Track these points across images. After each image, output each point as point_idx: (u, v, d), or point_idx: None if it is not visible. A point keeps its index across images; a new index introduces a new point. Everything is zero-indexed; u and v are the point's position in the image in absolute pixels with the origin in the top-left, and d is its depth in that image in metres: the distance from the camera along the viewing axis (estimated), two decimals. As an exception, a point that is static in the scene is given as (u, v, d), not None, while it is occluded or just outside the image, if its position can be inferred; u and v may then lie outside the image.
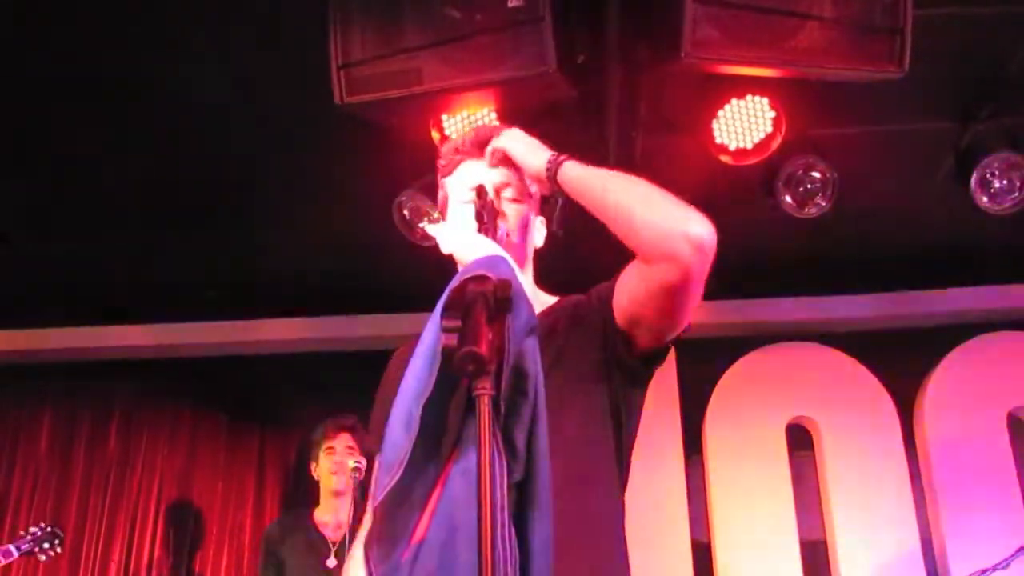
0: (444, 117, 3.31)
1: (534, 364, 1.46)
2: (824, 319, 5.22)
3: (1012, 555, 3.67)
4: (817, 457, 5.14)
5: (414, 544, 1.46)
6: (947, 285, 5.11)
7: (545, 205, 2.05)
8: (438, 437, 1.49)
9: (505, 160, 1.94)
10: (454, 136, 3.20)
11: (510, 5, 2.82)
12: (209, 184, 4.21)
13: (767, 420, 5.12)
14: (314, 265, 4.91)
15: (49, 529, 4.32)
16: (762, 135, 3.55)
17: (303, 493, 4.74)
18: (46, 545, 4.28)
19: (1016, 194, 3.87)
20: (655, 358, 1.85)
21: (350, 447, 4.03)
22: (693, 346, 4.82)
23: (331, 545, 3.90)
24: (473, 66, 2.90)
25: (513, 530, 1.35)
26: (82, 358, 5.38)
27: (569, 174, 1.83)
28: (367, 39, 2.99)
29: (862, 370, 5.14)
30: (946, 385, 5.08)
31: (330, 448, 4.09)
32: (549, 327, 1.79)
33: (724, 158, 3.57)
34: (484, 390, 1.22)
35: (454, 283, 1.42)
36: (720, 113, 3.52)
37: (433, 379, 1.43)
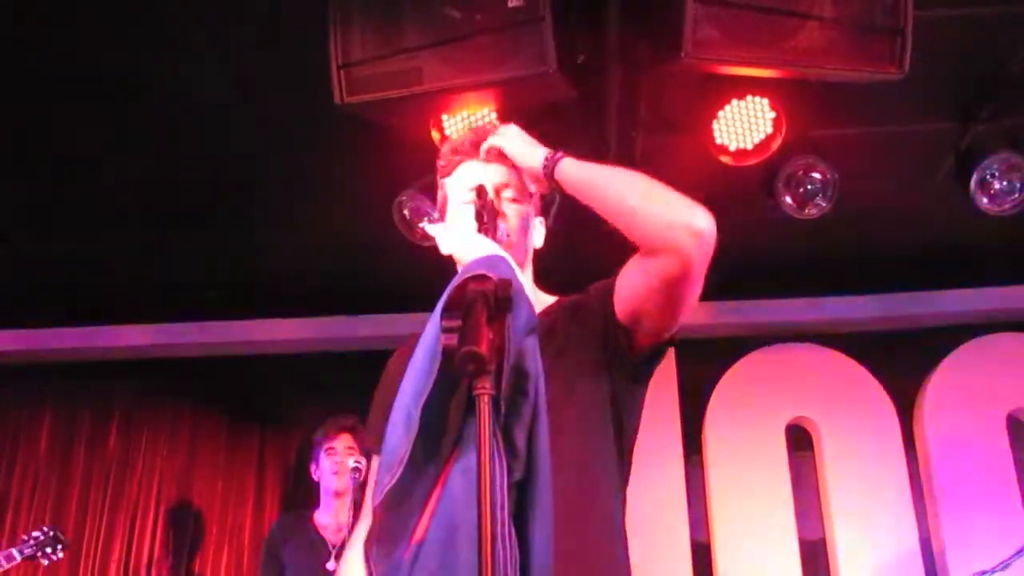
0: (444, 117, 3.31)
1: (534, 363, 1.46)
2: (824, 320, 5.22)
3: (1012, 556, 3.67)
4: (817, 458, 5.14)
5: (414, 544, 1.46)
6: (947, 286, 5.11)
7: (544, 205, 2.05)
8: (438, 437, 1.48)
9: (500, 157, 1.95)
10: (454, 136, 3.20)
11: (510, 5, 2.82)
12: (209, 184, 4.21)
13: (767, 420, 5.12)
14: (314, 265, 4.91)
15: (52, 533, 4.32)
16: (762, 136, 3.55)
17: (303, 494, 4.73)
18: (48, 550, 4.28)
19: (1016, 195, 3.87)
20: (656, 354, 1.85)
21: (350, 447, 4.03)
22: (693, 346, 4.89)
23: (331, 548, 3.90)
24: (473, 66, 2.90)
25: (513, 529, 1.35)
26: (82, 358, 5.38)
27: (567, 170, 1.84)
28: (367, 39, 2.99)
29: (862, 371, 5.14)
30: (946, 386, 5.08)
31: (331, 448, 4.08)
32: (549, 326, 1.79)
33: (724, 159, 3.57)
34: (484, 389, 1.22)
35: (454, 283, 1.42)
36: (720, 113, 3.52)
37: (433, 379, 1.43)
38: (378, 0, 3.01)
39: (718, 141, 3.55)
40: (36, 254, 4.76)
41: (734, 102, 3.49)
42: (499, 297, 1.36)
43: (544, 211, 2.06)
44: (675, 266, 1.67)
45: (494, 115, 3.26)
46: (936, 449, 4.98)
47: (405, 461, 1.44)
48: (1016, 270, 4.98)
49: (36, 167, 4.14)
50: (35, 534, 4.29)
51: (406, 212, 3.96)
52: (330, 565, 3.82)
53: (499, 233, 1.83)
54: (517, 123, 2.03)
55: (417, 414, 1.43)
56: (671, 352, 4.97)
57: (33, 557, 4.24)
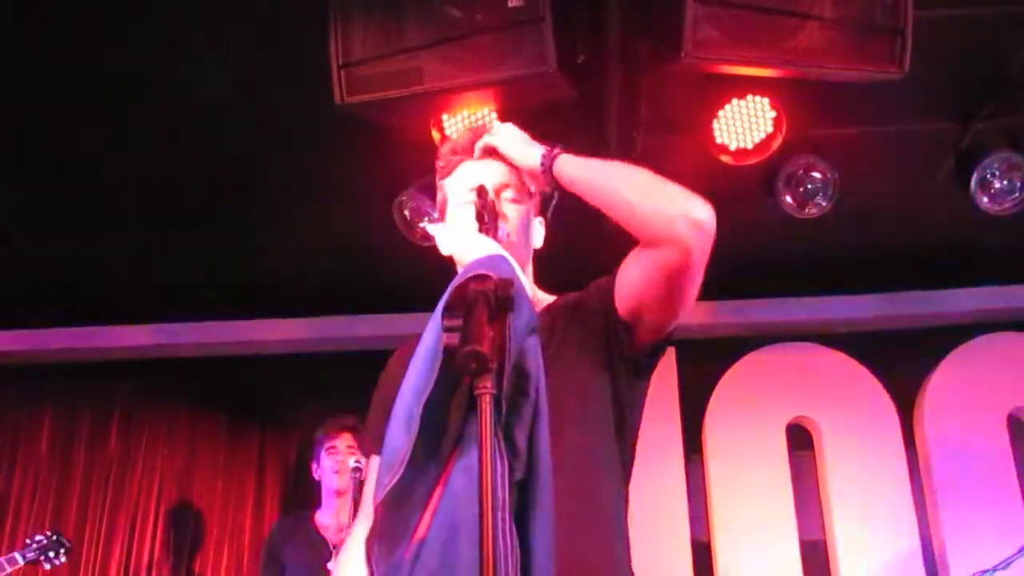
0: (444, 117, 3.31)
1: (535, 363, 1.46)
2: (824, 319, 5.22)
3: (1013, 556, 3.67)
4: (817, 457, 5.14)
5: (415, 542, 1.46)
6: (947, 285, 5.10)
7: (543, 203, 2.05)
8: (439, 436, 1.49)
9: (494, 155, 1.96)
10: (454, 136, 3.20)
11: (510, 5, 2.82)
12: (209, 184, 4.21)
13: (767, 420, 5.12)
14: (314, 265, 4.91)
15: (55, 538, 4.31)
16: (762, 135, 3.55)
17: (303, 494, 4.73)
18: (51, 554, 4.27)
19: (1016, 194, 3.87)
20: (657, 349, 1.86)
21: (351, 447, 4.02)
22: (693, 346, 4.90)
23: (332, 548, 3.89)
24: (473, 66, 2.91)
25: (515, 529, 1.35)
26: (82, 358, 5.38)
27: (565, 166, 1.85)
28: (368, 39, 2.99)
29: (862, 370, 5.14)
30: (946, 385, 5.08)
31: (332, 447, 4.08)
32: (549, 326, 1.79)
33: (724, 158, 3.58)
34: (486, 389, 1.22)
35: (455, 282, 1.42)
36: (720, 113, 3.52)
37: (434, 378, 1.43)
38: (378, 0, 3.01)
39: (718, 140, 3.56)
40: (36, 254, 4.76)
41: (734, 101, 3.49)
42: (500, 297, 1.36)
43: (543, 210, 2.06)
44: (675, 258, 1.68)
45: (494, 115, 3.26)
46: (936, 448, 4.98)
47: (406, 460, 1.44)
48: (1016, 269, 4.98)
49: (36, 167, 4.14)
50: (38, 538, 4.29)
51: (406, 212, 3.96)
52: (331, 565, 3.82)
53: (499, 233, 1.82)
54: (517, 123, 2.03)
55: (418, 413, 1.43)
56: (671, 352, 5.02)
57: (36, 561, 4.23)
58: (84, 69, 3.52)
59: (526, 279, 1.89)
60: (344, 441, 4.06)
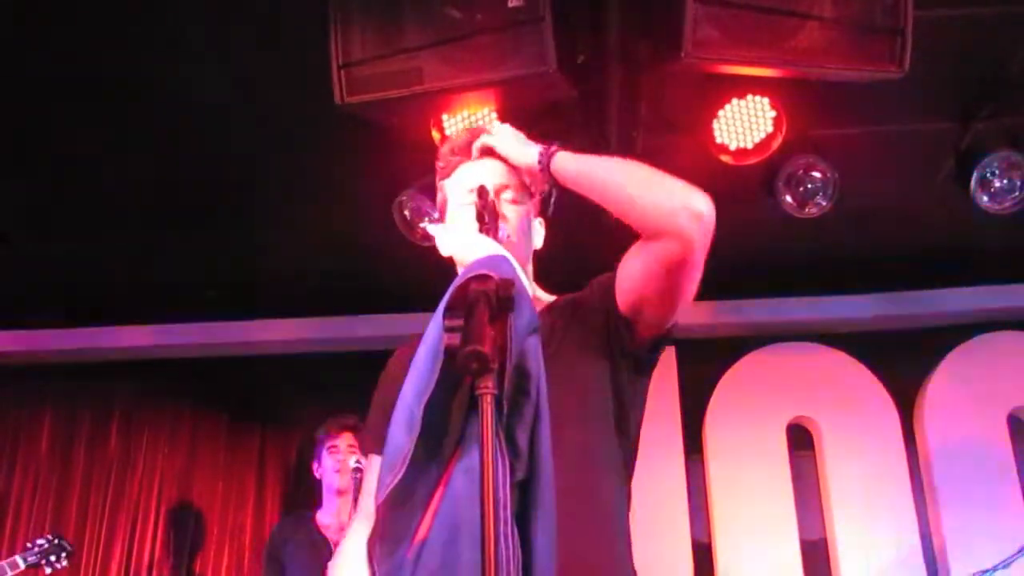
0: (445, 117, 3.31)
1: (536, 363, 1.46)
2: (824, 319, 5.22)
3: (1013, 555, 3.67)
4: (817, 457, 5.14)
5: (417, 543, 1.46)
6: (947, 285, 5.11)
7: (542, 201, 2.06)
8: (440, 436, 1.49)
9: (491, 153, 1.96)
10: (454, 136, 3.20)
11: (510, 5, 2.82)
12: (209, 184, 4.21)
13: (767, 420, 5.12)
14: (314, 265, 4.91)
15: (56, 541, 4.31)
16: (763, 135, 3.55)
17: (304, 494, 4.73)
18: (53, 558, 4.27)
19: (1016, 193, 3.87)
20: (657, 345, 1.86)
21: (352, 446, 4.02)
22: (693, 346, 4.90)
23: (333, 547, 3.89)
24: (473, 66, 2.90)
25: (516, 529, 1.35)
26: (82, 359, 5.38)
27: (563, 163, 1.86)
28: (368, 39, 2.99)
29: (862, 370, 5.14)
30: (946, 385, 5.08)
31: (333, 447, 4.08)
32: (549, 325, 1.79)
33: (725, 158, 3.58)
34: (487, 389, 1.22)
35: (456, 282, 1.42)
36: (720, 113, 3.53)
37: (435, 378, 1.43)
38: (378, 0, 3.01)
39: (718, 140, 3.56)
40: (36, 254, 4.76)
41: (734, 101, 3.50)
42: (501, 297, 1.36)
43: (542, 210, 2.06)
44: (676, 250, 1.69)
45: (495, 115, 3.26)
46: (937, 448, 4.98)
47: (408, 461, 1.43)
48: (1016, 269, 4.98)
49: (36, 167, 4.14)
50: (39, 541, 4.29)
51: (406, 212, 3.96)
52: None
53: (500, 234, 1.82)
54: (517, 123, 2.03)
55: (420, 414, 1.43)
56: (671, 352, 5.03)
57: (37, 565, 4.23)
58: (84, 69, 3.52)
59: (527, 279, 1.89)
60: (345, 440, 4.06)
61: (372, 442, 1.86)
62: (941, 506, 4.86)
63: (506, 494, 1.33)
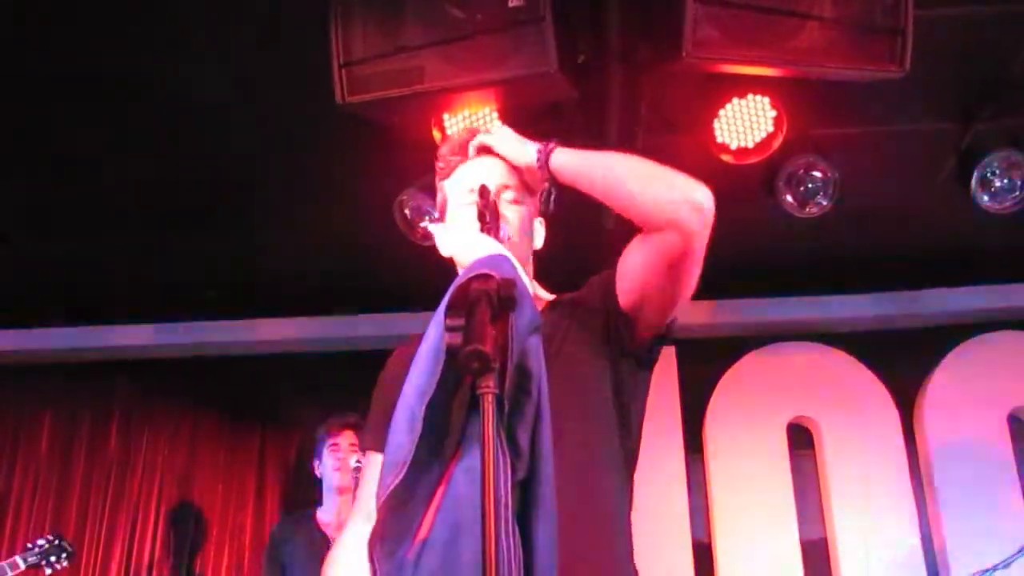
0: (445, 116, 3.31)
1: (537, 363, 1.46)
2: (825, 319, 5.22)
3: (1013, 555, 3.67)
4: (818, 457, 5.14)
5: (418, 542, 1.46)
6: (948, 285, 5.11)
7: (544, 205, 2.06)
8: (442, 436, 1.49)
9: (489, 152, 1.97)
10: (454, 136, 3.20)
11: (511, 5, 2.82)
12: (209, 184, 4.21)
13: (767, 420, 5.12)
14: (314, 265, 4.91)
15: (57, 542, 4.31)
16: (763, 134, 3.55)
17: (304, 493, 4.73)
18: (53, 558, 4.27)
19: (1017, 193, 3.87)
20: (658, 340, 1.87)
21: (354, 444, 4.03)
22: (693, 346, 4.90)
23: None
24: (474, 65, 2.90)
25: (517, 529, 1.35)
26: (82, 358, 5.38)
27: (561, 159, 1.86)
28: (369, 38, 2.99)
29: (863, 370, 5.14)
30: (947, 385, 5.08)
31: (334, 445, 4.09)
32: (551, 325, 1.79)
33: (725, 157, 3.58)
34: (488, 388, 1.22)
35: (458, 282, 1.42)
36: (721, 112, 3.53)
37: (436, 378, 1.43)
38: (379, -1, 3.01)
39: (719, 140, 3.56)
40: (36, 254, 4.75)
41: (735, 101, 3.50)
42: (502, 296, 1.36)
43: (542, 208, 2.06)
44: (677, 241, 1.70)
45: (495, 114, 3.26)
46: (937, 448, 4.98)
47: (409, 460, 1.43)
48: (1017, 269, 4.98)
49: (36, 167, 4.13)
50: (40, 542, 4.29)
51: (407, 211, 3.96)
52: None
53: (501, 233, 1.82)
54: (518, 123, 2.03)
55: (421, 413, 1.43)
56: (671, 352, 5.03)
57: (37, 565, 4.23)
58: (84, 69, 3.52)
59: (527, 279, 1.89)
60: (347, 439, 4.07)
61: (371, 440, 1.87)
62: (941, 506, 4.86)
63: (507, 493, 1.33)
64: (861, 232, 4.56)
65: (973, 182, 3.82)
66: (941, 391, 5.08)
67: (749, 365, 5.22)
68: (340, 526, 3.91)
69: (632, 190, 1.76)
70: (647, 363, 1.90)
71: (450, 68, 2.92)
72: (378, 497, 1.47)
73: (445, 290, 1.46)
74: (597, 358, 1.82)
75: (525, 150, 1.91)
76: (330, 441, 4.10)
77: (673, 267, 1.73)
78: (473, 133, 2.05)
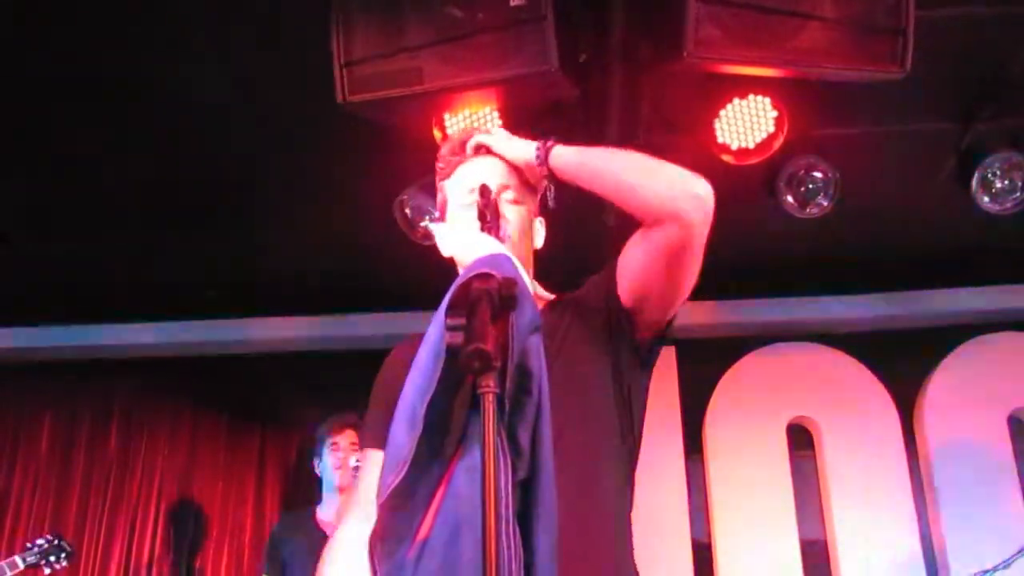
0: (446, 116, 3.31)
1: (538, 362, 1.46)
2: (825, 319, 5.22)
3: (1013, 556, 3.67)
4: (817, 457, 5.14)
5: (418, 542, 1.46)
6: (948, 285, 5.11)
7: (543, 204, 2.06)
8: (442, 435, 1.48)
9: (488, 150, 1.97)
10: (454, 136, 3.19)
11: (512, 4, 2.81)
12: (209, 184, 4.20)
13: (767, 420, 5.12)
14: (314, 265, 4.90)
15: (56, 542, 4.31)
16: (764, 135, 3.55)
17: (303, 492, 4.73)
18: (52, 558, 4.27)
19: (1017, 194, 3.87)
20: (659, 337, 1.87)
21: (354, 444, 4.04)
22: (693, 346, 4.90)
23: (333, 544, 3.89)
24: (475, 65, 2.90)
25: (517, 528, 1.35)
26: (82, 357, 5.38)
27: (561, 156, 1.86)
28: (369, 37, 2.98)
29: (863, 370, 5.14)
30: (947, 385, 5.08)
31: (334, 444, 4.10)
32: (551, 324, 1.79)
33: (726, 158, 3.58)
34: (489, 388, 1.22)
35: (458, 281, 1.42)
36: (722, 113, 3.52)
37: (437, 377, 1.43)
38: (380, -1, 3.01)
39: (720, 140, 3.56)
40: (36, 254, 4.75)
41: (736, 101, 3.49)
42: (503, 295, 1.36)
43: (542, 207, 2.06)
44: (677, 234, 1.70)
45: (496, 114, 3.26)
46: (937, 448, 4.98)
47: (410, 460, 1.43)
48: (1017, 270, 4.98)
49: (36, 167, 4.13)
50: (39, 542, 4.29)
51: (407, 211, 3.96)
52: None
53: (501, 233, 1.82)
54: (519, 122, 2.04)
55: (422, 413, 1.43)
56: (671, 352, 5.02)
57: (36, 565, 4.23)
58: (84, 69, 3.51)
59: (528, 278, 1.89)
60: (347, 438, 4.08)
61: (369, 437, 1.87)
62: (941, 507, 4.86)
63: (508, 493, 1.33)
64: (861, 233, 4.56)
65: (974, 183, 3.82)
66: (941, 392, 5.08)
67: (749, 365, 5.22)
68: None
69: (632, 183, 1.77)
70: (648, 362, 1.90)
71: (451, 67, 2.92)
72: (378, 496, 1.46)
73: (446, 290, 1.46)
74: (598, 357, 1.83)
75: (524, 148, 1.92)
76: (330, 440, 4.11)
77: (674, 260, 1.74)
78: (472, 134, 2.05)
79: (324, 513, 4.06)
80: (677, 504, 4.97)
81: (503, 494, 1.28)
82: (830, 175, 3.82)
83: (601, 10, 3.11)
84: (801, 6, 2.89)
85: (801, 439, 5.18)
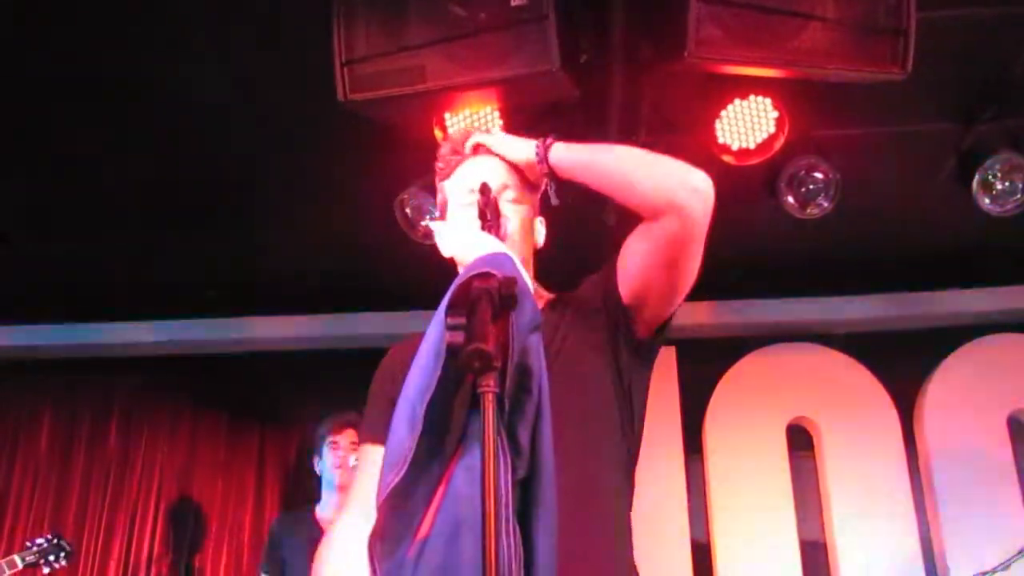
0: (447, 115, 3.31)
1: (538, 361, 1.46)
2: (825, 320, 5.22)
3: (1012, 557, 3.67)
4: (817, 457, 5.14)
5: (418, 541, 1.45)
6: (948, 286, 5.11)
7: (544, 203, 2.06)
8: (442, 434, 1.48)
9: (487, 150, 1.98)
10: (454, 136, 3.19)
11: (514, 3, 2.81)
12: (209, 184, 4.21)
13: (767, 420, 5.12)
14: (314, 265, 4.91)
15: (56, 541, 4.32)
16: (765, 135, 3.55)
17: (303, 491, 4.74)
18: (51, 557, 4.28)
19: (1018, 196, 3.87)
20: (660, 335, 1.88)
21: (354, 443, 4.04)
22: (693, 346, 4.90)
23: (333, 544, 3.89)
24: (476, 64, 2.89)
25: (517, 527, 1.35)
26: (82, 355, 5.38)
27: (561, 153, 1.87)
28: (371, 36, 2.98)
29: (862, 371, 5.14)
30: (947, 386, 5.08)
31: (334, 443, 4.11)
32: (551, 323, 1.80)
33: (727, 158, 3.57)
34: (489, 387, 1.22)
35: (459, 280, 1.42)
36: (723, 113, 3.52)
37: (437, 376, 1.42)
38: (382, -3, 3.01)
39: (720, 140, 3.56)
40: (36, 254, 4.75)
41: (737, 102, 3.49)
42: (504, 295, 1.36)
43: (542, 205, 2.07)
44: (677, 226, 1.71)
45: (497, 114, 3.26)
46: (937, 449, 4.98)
47: (410, 459, 1.43)
48: (1018, 271, 4.98)
49: (36, 167, 4.13)
50: (39, 541, 4.30)
51: (408, 210, 3.96)
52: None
53: (501, 232, 1.83)
54: (520, 122, 2.04)
55: (422, 412, 1.43)
56: (671, 352, 5.02)
57: (35, 564, 4.23)
58: (84, 69, 3.51)
59: (528, 277, 1.88)
60: (347, 437, 4.08)
61: (367, 433, 1.87)
62: (941, 508, 4.86)
63: (507, 492, 1.33)
64: (862, 233, 4.56)
65: (974, 185, 3.82)
66: (941, 393, 5.08)
67: (749, 365, 5.22)
68: (339, 524, 3.91)
69: (631, 177, 1.78)
70: (648, 359, 1.90)
71: (452, 67, 2.91)
72: (378, 496, 1.46)
73: (446, 289, 1.46)
74: (598, 356, 1.83)
75: (524, 146, 1.92)
76: (330, 439, 4.12)
77: (674, 255, 1.74)
78: (469, 134, 2.05)
79: (323, 512, 4.07)
80: (676, 504, 4.96)
81: (503, 493, 1.28)
82: (831, 176, 3.82)
83: (602, 10, 3.11)
84: (802, 6, 2.88)
85: (801, 439, 5.18)
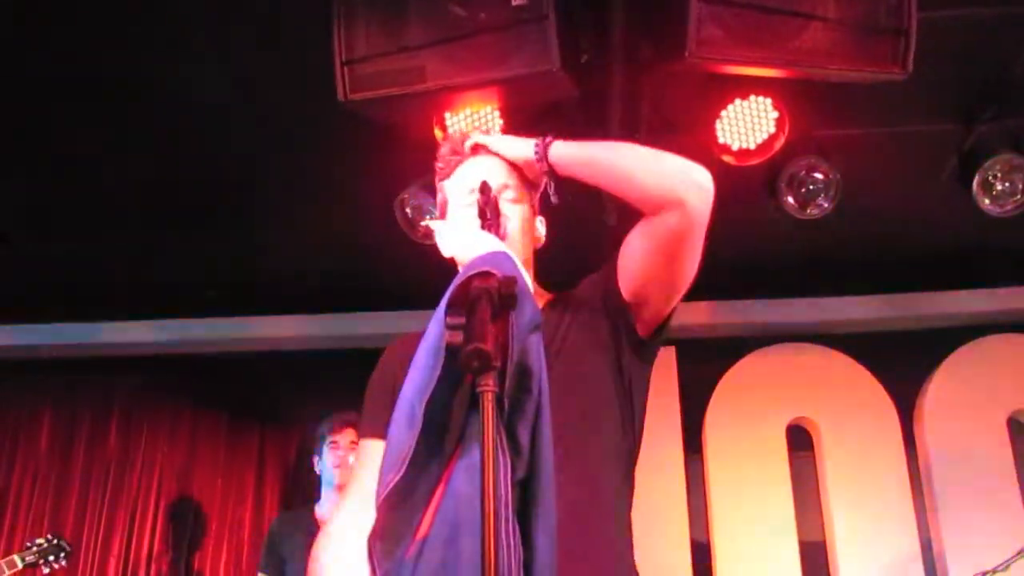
0: (447, 115, 3.30)
1: (538, 361, 1.46)
2: (825, 320, 5.22)
3: (1012, 557, 3.66)
4: (817, 458, 5.14)
5: (418, 541, 1.45)
6: (949, 287, 5.11)
7: (544, 202, 2.06)
8: (442, 434, 1.48)
9: (486, 149, 1.98)
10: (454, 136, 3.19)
11: (514, 3, 2.81)
12: (209, 184, 4.21)
13: (767, 420, 5.12)
14: (314, 265, 4.91)
15: (56, 541, 4.32)
16: (765, 135, 3.54)
17: (303, 490, 4.74)
18: (51, 558, 4.28)
19: (1018, 196, 3.86)
20: (660, 334, 1.88)
21: (354, 442, 4.03)
22: (693, 346, 4.90)
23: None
24: (477, 64, 2.89)
25: (517, 527, 1.35)
26: (82, 355, 5.38)
27: (560, 151, 1.87)
28: (371, 36, 2.98)
29: (863, 372, 5.14)
30: (947, 387, 5.08)
31: (334, 442, 4.11)
32: (551, 323, 1.79)
33: (727, 158, 3.57)
34: (488, 387, 1.22)
35: (458, 279, 1.42)
36: (723, 113, 3.52)
37: (437, 376, 1.42)
38: (382, -4, 3.00)
39: (721, 141, 3.55)
40: (36, 254, 4.75)
41: (737, 102, 3.49)
42: (503, 294, 1.36)
43: (542, 205, 2.07)
44: (677, 221, 1.71)
45: (497, 114, 3.26)
46: (936, 450, 4.98)
47: (409, 458, 1.43)
48: (1018, 271, 4.98)
49: (36, 167, 4.13)
50: (39, 541, 4.30)
51: (408, 210, 3.96)
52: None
53: (501, 231, 1.83)
54: (520, 122, 2.04)
55: (421, 411, 1.43)
56: (671, 352, 5.02)
57: (35, 564, 4.24)
58: (84, 69, 3.51)
59: (528, 277, 1.88)
60: (347, 437, 4.09)
61: (366, 428, 1.87)
62: (940, 508, 4.86)
63: (507, 492, 1.33)
64: (862, 233, 4.56)
65: (974, 186, 3.82)
66: (941, 393, 5.08)
67: (749, 366, 5.22)
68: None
69: (631, 172, 1.78)
70: (648, 357, 1.90)
71: (452, 67, 2.91)
72: (378, 495, 1.46)
73: (446, 289, 1.46)
74: (598, 355, 1.82)
75: (523, 145, 1.92)
76: (330, 438, 4.12)
77: (674, 250, 1.75)
78: (468, 135, 2.06)
79: (323, 511, 4.07)
80: (676, 504, 4.96)
81: (502, 493, 1.28)
82: (831, 176, 3.82)
83: (602, 10, 3.11)
84: (803, 6, 2.88)
85: (800, 439, 5.18)
